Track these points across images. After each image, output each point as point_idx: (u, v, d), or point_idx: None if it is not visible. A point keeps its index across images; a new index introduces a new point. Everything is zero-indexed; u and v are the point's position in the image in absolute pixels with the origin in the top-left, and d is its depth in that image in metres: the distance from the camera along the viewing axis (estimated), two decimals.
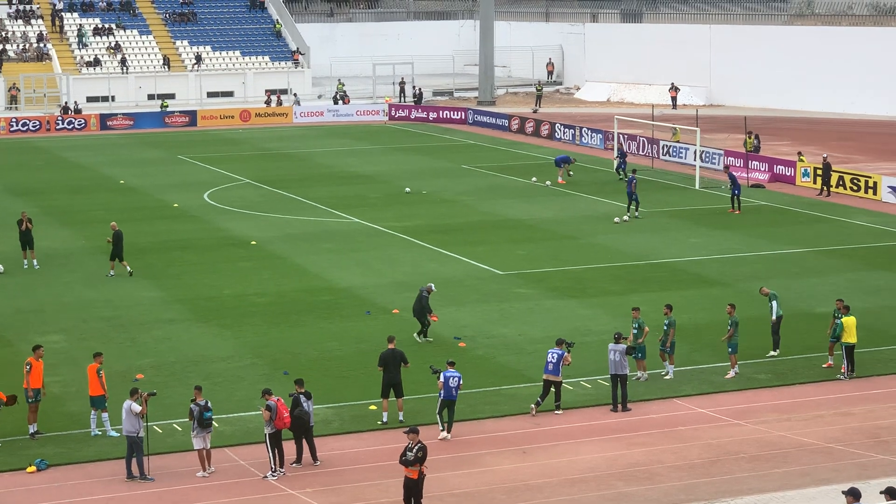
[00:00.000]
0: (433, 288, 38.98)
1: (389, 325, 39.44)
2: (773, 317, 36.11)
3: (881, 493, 24.47)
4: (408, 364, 31.67)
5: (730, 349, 34.61)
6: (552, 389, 31.96)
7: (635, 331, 34.22)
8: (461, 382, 30.50)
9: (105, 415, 30.47)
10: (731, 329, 34.52)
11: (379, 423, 31.09)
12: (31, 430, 30.41)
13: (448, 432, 30.41)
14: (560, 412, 31.91)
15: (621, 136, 74.37)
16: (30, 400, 30.48)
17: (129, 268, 46.19)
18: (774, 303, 36.17)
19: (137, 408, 28.06)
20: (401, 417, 31.23)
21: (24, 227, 47.40)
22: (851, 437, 30.24)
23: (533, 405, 31.89)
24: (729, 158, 68.25)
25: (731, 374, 34.58)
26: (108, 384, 30.70)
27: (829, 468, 28.35)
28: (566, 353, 32.05)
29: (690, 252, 49.60)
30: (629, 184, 56.55)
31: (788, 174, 65.83)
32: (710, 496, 26.84)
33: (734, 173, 59.66)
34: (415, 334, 37.93)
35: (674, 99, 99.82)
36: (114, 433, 30.13)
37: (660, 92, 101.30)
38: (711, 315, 39.53)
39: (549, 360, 32.03)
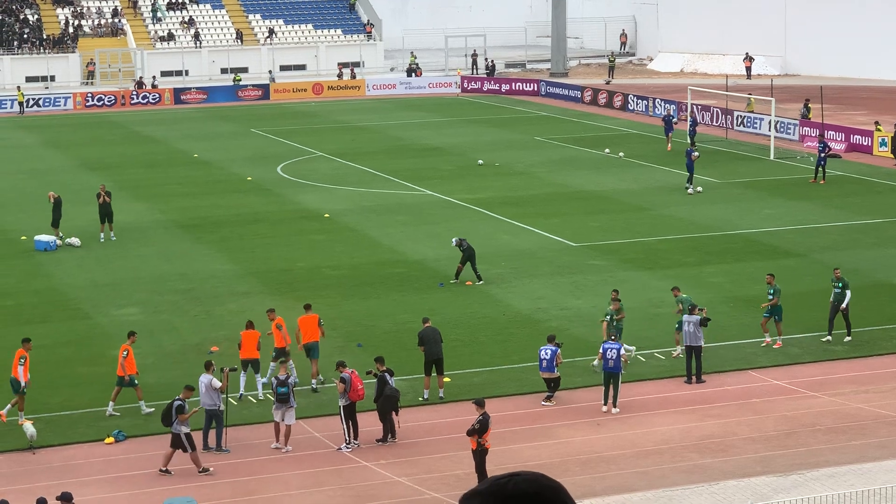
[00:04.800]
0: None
1: (462, 296, 39.48)
2: (845, 304, 35.19)
3: None
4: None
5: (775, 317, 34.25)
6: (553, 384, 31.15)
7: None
8: (619, 354, 30.47)
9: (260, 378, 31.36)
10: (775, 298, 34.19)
11: (420, 399, 31.10)
12: (146, 410, 30.49)
13: (609, 404, 30.34)
14: (549, 404, 30.95)
15: (693, 106, 73.70)
16: (136, 383, 30.56)
17: (61, 236, 47.13)
18: (848, 291, 35.42)
19: (218, 383, 28.32)
20: (441, 394, 31.23)
21: (101, 201, 47.72)
22: None
23: (544, 401, 31.15)
24: (804, 129, 67.63)
25: (768, 340, 34.32)
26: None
27: None
28: (560, 351, 31.03)
29: (765, 223, 49.15)
30: (687, 155, 55.98)
31: (865, 144, 65.07)
32: (785, 469, 26.66)
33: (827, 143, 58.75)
34: (462, 280, 40.49)
35: (748, 69, 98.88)
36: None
37: (734, 62, 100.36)
38: (789, 286, 39.09)
39: (541, 357, 30.96)
